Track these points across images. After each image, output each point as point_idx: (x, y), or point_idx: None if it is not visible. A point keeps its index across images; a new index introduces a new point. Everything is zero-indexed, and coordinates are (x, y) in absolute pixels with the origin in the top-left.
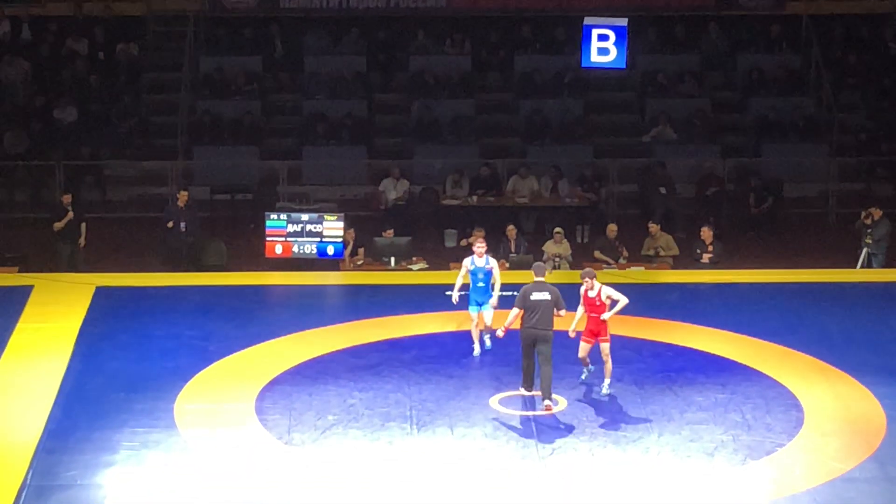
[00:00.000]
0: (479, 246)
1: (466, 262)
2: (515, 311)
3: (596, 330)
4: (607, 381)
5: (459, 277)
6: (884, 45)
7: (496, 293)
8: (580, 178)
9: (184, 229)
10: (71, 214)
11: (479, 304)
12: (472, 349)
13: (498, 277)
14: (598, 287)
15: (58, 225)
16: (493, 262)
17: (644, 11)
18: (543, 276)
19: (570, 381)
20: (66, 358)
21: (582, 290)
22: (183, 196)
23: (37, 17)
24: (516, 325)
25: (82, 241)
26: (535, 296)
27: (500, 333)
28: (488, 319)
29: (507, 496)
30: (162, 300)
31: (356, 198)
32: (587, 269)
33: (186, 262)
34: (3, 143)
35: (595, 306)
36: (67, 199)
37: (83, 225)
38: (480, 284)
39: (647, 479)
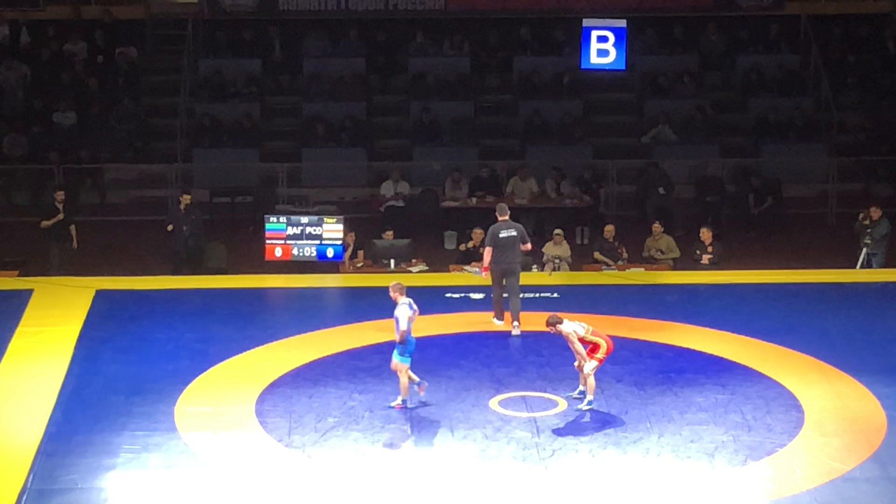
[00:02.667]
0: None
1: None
2: (488, 249)
3: (590, 349)
4: (588, 397)
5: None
6: (883, 45)
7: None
8: (579, 180)
9: (186, 232)
10: (61, 215)
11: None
12: (470, 350)
13: (399, 324)
14: (566, 330)
15: (45, 223)
16: (399, 312)
17: (642, 12)
18: (507, 214)
19: (570, 383)
20: (66, 361)
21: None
22: (185, 199)
23: (36, 21)
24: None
25: (74, 243)
26: (504, 234)
27: (483, 275)
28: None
29: (507, 498)
30: (162, 303)
31: (356, 200)
32: (547, 320)
33: (188, 265)
34: (2, 147)
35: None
36: (61, 195)
37: (72, 227)
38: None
39: (648, 480)
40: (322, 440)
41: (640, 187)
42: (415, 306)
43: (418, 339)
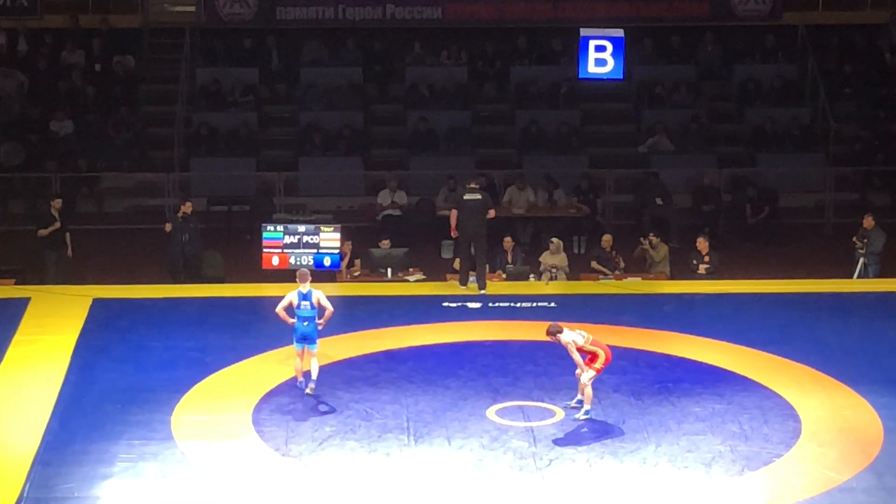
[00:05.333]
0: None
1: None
2: (453, 212)
3: (588, 359)
4: (585, 407)
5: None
6: (879, 55)
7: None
8: (576, 189)
9: (185, 240)
10: (58, 224)
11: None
12: (467, 359)
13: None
14: (566, 340)
15: (42, 232)
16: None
17: (640, 22)
18: (476, 184)
19: (567, 392)
20: (63, 370)
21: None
22: (187, 207)
23: (33, 30)
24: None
25: (69, 252)
26: (468, 196)
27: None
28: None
29: None
30: (158, 312)
31: (352, 209)
32: (547, 329)
33: (185, 274)
34: None
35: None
36: (57, 204)
37: (67, 235)
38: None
39: (645, 490)
40: (319, 449)
41: (638, 197)
42: (316, 299)
43: (416, 347)
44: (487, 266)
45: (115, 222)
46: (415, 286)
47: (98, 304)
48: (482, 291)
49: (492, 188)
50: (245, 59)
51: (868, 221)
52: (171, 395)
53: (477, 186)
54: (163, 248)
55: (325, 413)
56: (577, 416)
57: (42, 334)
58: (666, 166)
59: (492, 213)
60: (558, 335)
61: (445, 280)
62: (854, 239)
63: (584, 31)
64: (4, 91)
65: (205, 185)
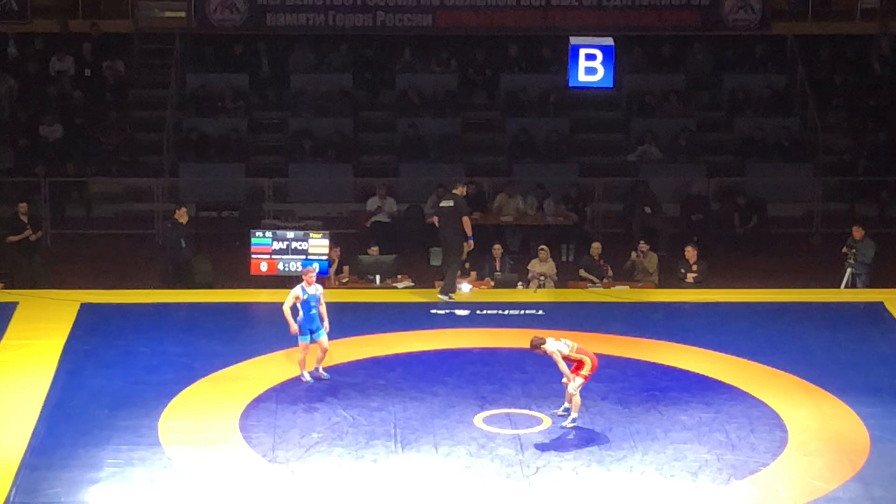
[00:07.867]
0: (311, 274)
1: (297, 290)
2: (435, 218)
3: (575, 367)
4: (573, 415)
5: (288, 308)
6: (868, 66)
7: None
8: (565, 197)
9: (184, 245)
10: (28, 232)
11: (312, 333)
12: (455, 367)
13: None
14: (550, 349)
15: (12, 238)
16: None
17: (630, 31)
18: (455, 189)
19: (554, 400)
20: (51, 375)
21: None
22: (181, 213)
23: (23, 34)
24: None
25: (33, 236)
26: (443, 203)
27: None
28: (326, 344)
29: None
30: (146, 317)
31: (341, 215)
32: (531, 342)
33: (178, 279)
34: None
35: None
36: (24, 207)
37: (39, 232)
38: (313, 312)
39: (631, 499)
40: (306, 455)
41: (627, 206)
42: (306, 290)
43: (404, 354)
44: (475, 273)
45: (103, 227)
46: (403, 293)
47: (86, 309)
48: (446, 297)
49: (481, 196)
50: (235, 64)
51: (858, 232)
52: (159, 401)
53: (459, 193)
54: (151, 253)
55: (313, 419)
56: (564, 423)
57: (30, 338)
58: (655, 175)
59: (466, 221)
60: (542, 346)
61: (434, 287)
62: (844, 249)
63: (574, 40)
64: None
65: (194, 191)
